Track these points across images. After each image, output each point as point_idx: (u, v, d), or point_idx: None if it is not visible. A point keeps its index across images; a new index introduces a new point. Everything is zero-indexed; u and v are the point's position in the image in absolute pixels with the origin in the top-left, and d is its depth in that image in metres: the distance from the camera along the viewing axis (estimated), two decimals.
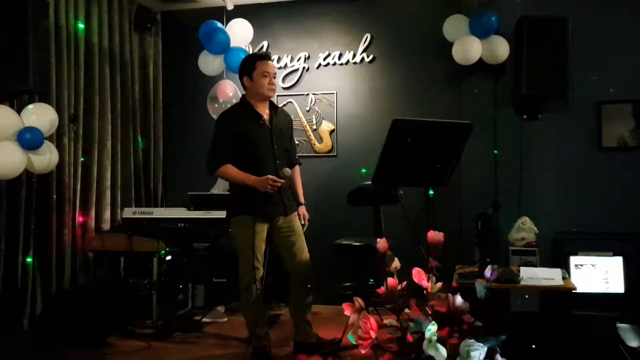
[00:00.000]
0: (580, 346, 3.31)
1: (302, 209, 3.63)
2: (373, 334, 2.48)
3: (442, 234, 2.79)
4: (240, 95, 4.82)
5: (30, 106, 3.70)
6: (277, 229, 3.49)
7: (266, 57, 3.51)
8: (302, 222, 3.60)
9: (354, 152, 4.99)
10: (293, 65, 5.15)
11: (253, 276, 3.36)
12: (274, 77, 3.47)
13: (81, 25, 4.52)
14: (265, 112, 3.49)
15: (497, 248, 4.16)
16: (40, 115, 3.70)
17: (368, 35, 5.01)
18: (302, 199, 3.66)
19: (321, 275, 3.73)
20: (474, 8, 4.52)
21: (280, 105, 4.04)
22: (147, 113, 5.32)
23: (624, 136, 4.41)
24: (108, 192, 4.75)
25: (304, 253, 3.54)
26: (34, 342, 3.79)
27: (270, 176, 3.26)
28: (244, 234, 3.36)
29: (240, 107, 3.53)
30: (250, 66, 3.44)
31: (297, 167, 3.67)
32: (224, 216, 4.12)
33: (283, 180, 3.29)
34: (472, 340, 2.34)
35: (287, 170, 3.33)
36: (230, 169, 3.36)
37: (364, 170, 4.66)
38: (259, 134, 3.41)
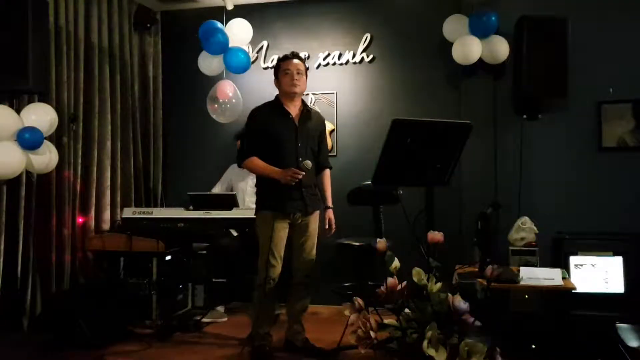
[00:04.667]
0: (580, 346, 3.31)
1: (329, 213, 3.63)
2: (373, 334, 2.48)
3: (442, 234, 2.79)
4: (239, 96, 4.91)
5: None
6: (296, 226, 3.52)
7: (289, 56, 3.56)
8: (327, 226, 3.60)
9: (354, 152, 5.00)
10: None
11: (268, 273, 3.38)
12: (298, 74, 3.48)
13: (81, 25, 4.52)
14: (295, 110, 3.53)
15: (497, 248, 4.16)
16: (40, 115, 3.70)
17: (368, 35, 5.01)
18: (329, 203, 3.66)
19: (321, 275, 3.73)
20: (474, 8, 4.52)
21: None
22: (147, 113, 5.32)
23: (624, 136, 4.41)
24: (108, 192, 4.75)
25: (311, 254, 3.58)
26: (34, 342, 3.78)
27: (291, 168, 3.31)
28: (265, 230, 3.41)
29: (271, 103, 3.59)
30: (276, 67, 3.57)
31: (327, 171, 3.70)
32: (224, 216, 4.15)
33: (304, 173, 3.32)
34: (472, 340, 2.35)
35: (308, 163, 3.35)
36: (255, 161, 3.44)
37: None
38: (284, 130, 3.46)
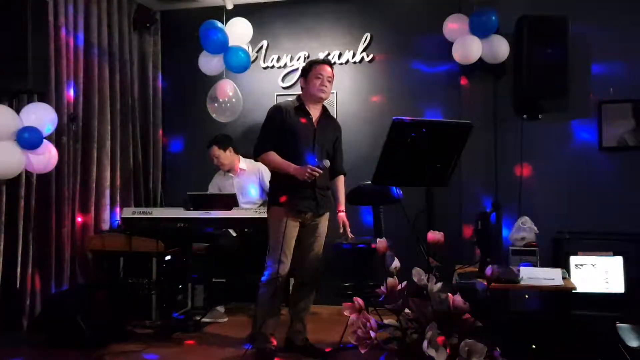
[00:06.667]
0: (580, 346, 3.31)
1: (343, 216, 3.66)
2: (373, 334, 2.47)
3: (442, 234, 2.78)
4: (240, 95, 4.90)
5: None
6: (307, 226, 3.53)
7: (323, 62, 3.62)
8: (341, 230, 3.63)
9: (354, 152, 4.98)
10: (293, 65, 5.14)
11: (277, 270, 3.39)
12: (328, 81, 3.54)
13: (80, 25, 4.52)
14: (316, 113, 3.57)
15: (497, 248, 4.16)
16: (40, 115, 3.70)
17: (368, 35, 5.00)
18: (342, 207, 3.69)
19: (321, 275, 3.73)
20: (474, 7, 4.51)
21: None
22: (146, 113, 5.31)
23: (625, 136, 4.41)
24: (107, 192, 4.74)
25: (318, 254, 3.60)
26: (33, 342, 3.78)
27: (309, 165, 3.33)
28: (277, 226, 3.42)
29: (293, 102, 3.61)
30: (308, 68, 3.59)
31: (341, 177, 3.72)
32: (223, 216, 4.14)
33: (321, 171, 3.34)
34: (472, 340, 2.34)
35: (327, 162, 3.39)
36: (272, 156, 3.46)
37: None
38: (303, 130, 3.49)
